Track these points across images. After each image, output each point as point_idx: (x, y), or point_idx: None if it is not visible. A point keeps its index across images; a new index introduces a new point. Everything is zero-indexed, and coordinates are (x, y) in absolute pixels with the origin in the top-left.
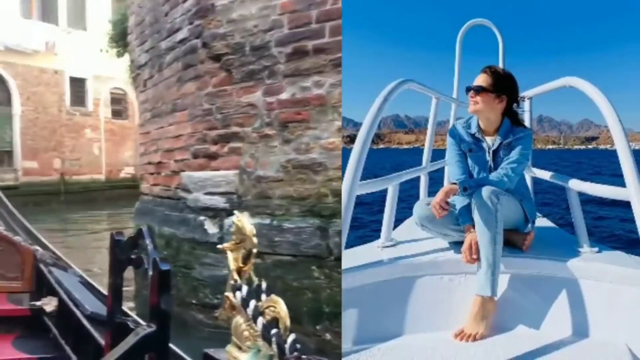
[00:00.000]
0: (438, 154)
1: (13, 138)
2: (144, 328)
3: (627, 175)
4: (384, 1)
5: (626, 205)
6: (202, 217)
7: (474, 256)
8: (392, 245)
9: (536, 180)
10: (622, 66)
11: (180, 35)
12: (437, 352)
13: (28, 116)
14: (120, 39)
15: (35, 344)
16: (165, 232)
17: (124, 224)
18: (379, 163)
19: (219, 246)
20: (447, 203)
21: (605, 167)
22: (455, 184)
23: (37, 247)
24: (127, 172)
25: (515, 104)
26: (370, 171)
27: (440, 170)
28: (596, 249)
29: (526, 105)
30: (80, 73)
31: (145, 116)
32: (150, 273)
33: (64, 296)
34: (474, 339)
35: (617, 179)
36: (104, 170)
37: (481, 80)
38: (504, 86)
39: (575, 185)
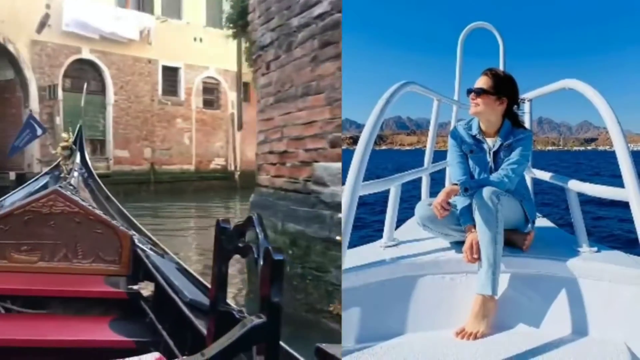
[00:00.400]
0: (439, 155)
1: (106, 127)
2: (252, 319)
3: (625, 176)
4: (385, 4)
5: (625, 205)
6: (340, 215)
7: (475, 256)
8: (394, 245)
9: (536, 181)
10: (620, 69)
11: (317, 10)
12: (439, 350)
13: (121, 105)
14: (239, 19)
15: (131, 327)
16: (290, 229)
17: (212, 215)
18: (381, 164)
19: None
20: (449, 203)
21: (604, 168)
22: (456, 184)
23: (134, 232)
24: (217, 163)
25: (515, 106)
26: (372, 172)
27: (442, 171)
28: (595, 248)
29: (526, 107)
30: (173, 62)
31: (267, 101)
32: (261, 263)
33: (162, 282)
34: (475, 338)
35: (615, 179)
36: (194, 161)
37: (482, 82)
38: (504, 88)
39: (575, 186)
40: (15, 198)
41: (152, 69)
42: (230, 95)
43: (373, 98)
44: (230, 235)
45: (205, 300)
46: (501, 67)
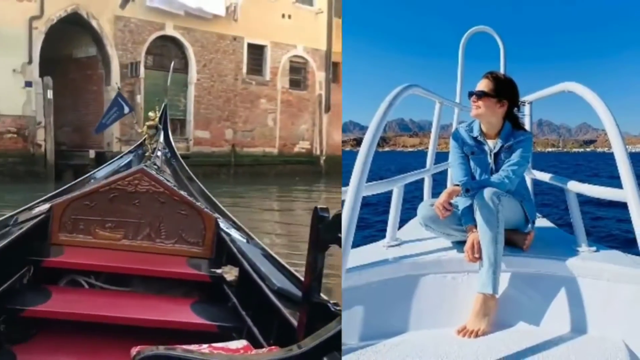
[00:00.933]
0: (441, 157)
1: (187, 106)
2: None
3: (623, 177)
4: (387, 8)
5: (623, 206)
6: None
7: (476, 255)
8: (397, 245)
9: (536, 182)
10: (619, 71)
11: None
12: (441, 348)
13: (203, 84)
14: None
15: (213, 311)
16: None
17: (295, 202)
18: (384, 165)
19: None
20: (450, 204)
21: (602, 169)
22: (458, 185)
23: (219, 215)
24: (302, 146)
25: (515, 108)
26: (376, 173)
27: (444, 173)
28: (594, 248)
29: (526, 109)
30: (259, 40)
31: None
32: None
33: (247, 267)
34: (476, 335)
35: (614, 180)
36: (277, 144)
37: (483, 85)
38: (505, 91)
39: (574, 186)
40: (99, 175)
41: (237, 47)
42: (318, 76)
43: (376, 100)
44: (329, 225)
45: (293, 289)
46: (502, 70)
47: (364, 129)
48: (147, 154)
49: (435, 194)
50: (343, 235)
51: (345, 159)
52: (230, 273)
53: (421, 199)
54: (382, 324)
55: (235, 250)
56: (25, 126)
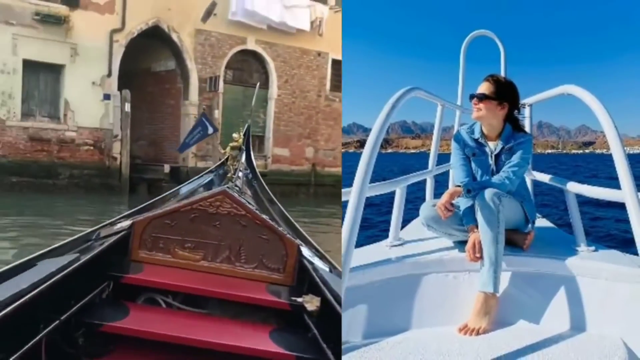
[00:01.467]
0: (443, 158)
1: (266, 122)
2: None
3: (622, 178)
4: (390, 11)
5: (621, 206)
6: None
7: (477, 255)
8: (399, 245)
9: (536, 183)
10: (617, 74)
11: None
12: (443, 345)
13: (284, 100)
14: None
15: (293, 340)
16: None
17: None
18: (387, 167)
19: None
20: (452, 204)
21: (601, 170)
22: (459, 186)
23: (301, 242)
24: None
25: (516, 111)
26: (379, 174)
27: (445, 174)
28: (593, 247)
29: (527, 111)
30: None
31: None
32: None
33: (330, 298)
34: (477, 333)
35: (612, 181)
36: None
37: (484, 88)
38: (505, 94)
39: (573, 187)
40: (180, 193)
41: (320, 63)
42: None
43: (378, 103)
44: None
45: None
46: (502, 73)
47: (367, 130)
48: (228, 174)
49: (437, 194)
50: (345, 235)
51: (348, 160)
52: (311, 302)
53: (423, 200)
54: (384, 322)
55: (317, 279)
56: (102, 139)
